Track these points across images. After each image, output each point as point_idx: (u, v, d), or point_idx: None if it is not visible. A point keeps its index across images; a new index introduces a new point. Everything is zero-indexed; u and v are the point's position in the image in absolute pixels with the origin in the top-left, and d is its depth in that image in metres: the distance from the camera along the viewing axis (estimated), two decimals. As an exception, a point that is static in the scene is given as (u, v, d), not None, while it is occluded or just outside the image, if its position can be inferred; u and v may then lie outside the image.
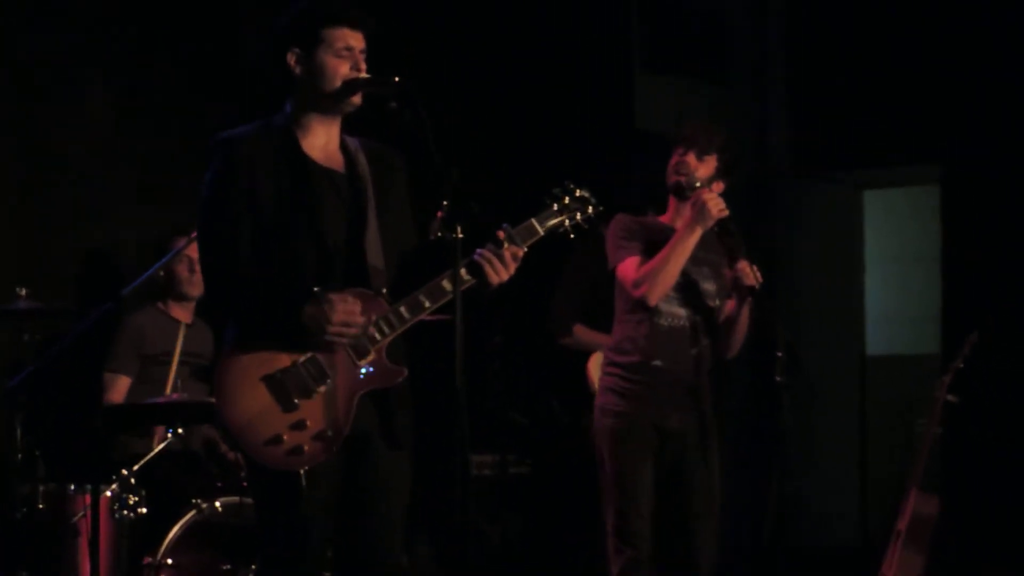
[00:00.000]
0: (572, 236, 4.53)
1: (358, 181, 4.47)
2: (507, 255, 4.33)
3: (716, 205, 5.55)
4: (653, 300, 5.61)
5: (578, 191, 4.54)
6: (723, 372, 6.03)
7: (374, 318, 4.32)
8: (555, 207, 4.50)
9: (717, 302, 5.79)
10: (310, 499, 4.26)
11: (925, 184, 9.88)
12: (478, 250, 4.32)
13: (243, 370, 4.26)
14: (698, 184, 5.63)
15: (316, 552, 4.34)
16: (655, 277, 5.56)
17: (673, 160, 5.75)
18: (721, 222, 5.59)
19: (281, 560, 4.33)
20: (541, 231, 4.46)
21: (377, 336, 4.34)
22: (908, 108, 9.38)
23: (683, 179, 5.69)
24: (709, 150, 5.70)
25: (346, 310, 4.26)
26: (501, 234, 4.34)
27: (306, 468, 4.24)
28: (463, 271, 4.26)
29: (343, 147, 4.51)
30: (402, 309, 4.35)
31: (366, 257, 4.41)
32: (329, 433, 4.27)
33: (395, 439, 4.43)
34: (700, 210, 5.55)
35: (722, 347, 5.83)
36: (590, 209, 4.55)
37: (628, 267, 5.68)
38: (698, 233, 5.55)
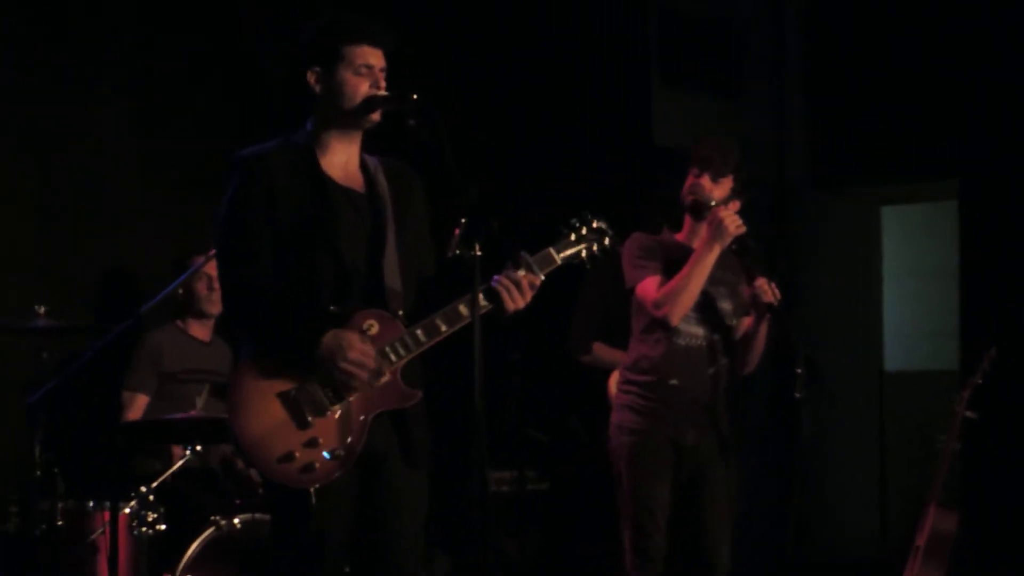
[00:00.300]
0: (588, 266, 4.58)
1: (377, 201, 4.47)
2: (524, 283, 4.36)
3: (733, 222, 5.55)
4: (675, 320, 5.61)
5: (595, 222, 4.59)
6: (743, 388, 6.03)
7: (388, 348, 4.35)
8: (572, 237, 4.55)
9: (734, 321, 5.79)
10: (324, 516, 4.27)
11: (943, 199, 9.86)
12: (496, 276, 4.36)
13: (258, 385, 4.26)
14: (713, 203, 5.63)
15: (331, 569, 4.35)
16: (676, 297, 5.56)
17: (688, 181, 5.75)
18: (739, 239, 5.58)
19: None
20: (558, 260, 4.51)
21: (393, 358, 4.34)
22: (926, 123, 9.36)
23: (699, 198, 5.69)
24: (725, 172, 5.70)
25: (363, 351, 4.27)
26: (520, 259, 4.37)
27: (317, 486, 4.25)
28: (480, 296, 4.26)
29: (363, 166, 4.52)
30: (418, 332, 4.36)
31: (384, 278, 4.42)
32: (341, 452, 4.27)
33: (410, 457, 4.43)
34: (717, 228, 5.55)
35: (739, 364, 5.84)
36: (607, 240, 4.60)
37: (648, 287, 5.68)
38: (717, 251, 5.55)
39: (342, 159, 4.47)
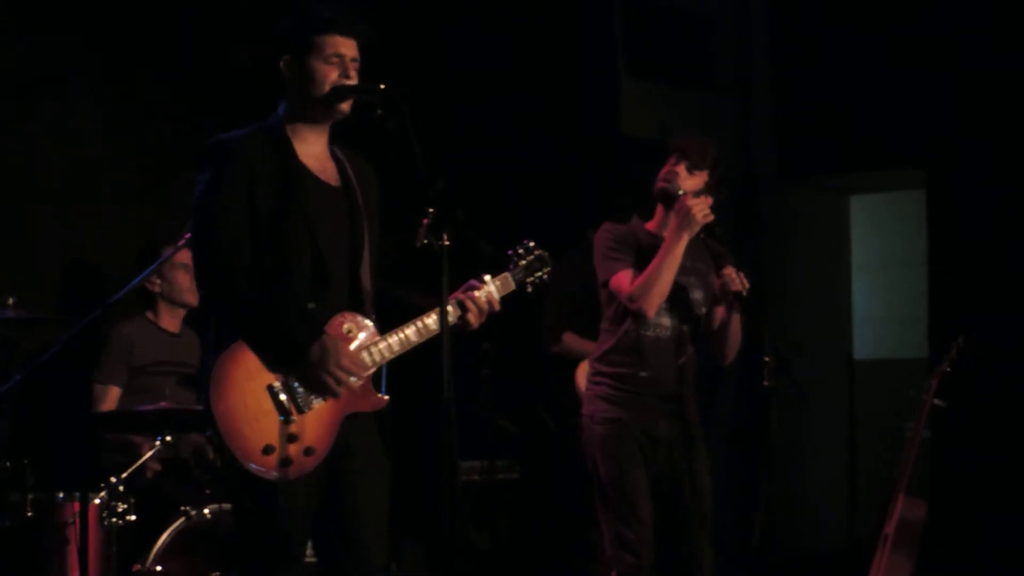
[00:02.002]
0: (529, 291, 4.79)
1: (352, 196, 4.49)
2: (485, 305, 4.55)
3: (701, 211, 5.57)
4: (651, 313, 5.63)
5: (537, 251, 4.82)
6: (712, 377, 6.04)
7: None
8: (523, 263, 4.77)
9: (704, 310, 5.80)
10: (290, 511, 4.29)
11: (911, 189, 9.90)
12: (463, 295, 4.52)
13: (246, 374, 4.26)
14: (681, 192, 5.64)
15: (294, 561, 4.37)
16: (649, 290, 5.57)
17: (664, 169, 5.76)
18: (707, 228, 5.60)
19: (263, 569, 4.35)
20: (513, 285, 4.72)
21: (368, 362, 4.38)
22: (893, 113, 9.40)
23: (668, 186, 5.70)
24: (701, 166, 5.72)
25: (353, 359, 4.33)
26: (486, 277, 4.59)
27: (287, 479, 4.26)
28: (451, 309, 4.46)
29: (335, 158, 4.53)
30: (391, 340, 4.45)
31: (361, 280, 4.44)
32: (315, 450, 4.31)
33: (375, 452, 4.48)
34: (685, 217, 5.56)
35: (718, 353, 5.85)
36: (546, 269, 4.82)
37: (622, 281, 5.68)
38: (685, 240, 5.57)
39: (316, 149, 4.48)
